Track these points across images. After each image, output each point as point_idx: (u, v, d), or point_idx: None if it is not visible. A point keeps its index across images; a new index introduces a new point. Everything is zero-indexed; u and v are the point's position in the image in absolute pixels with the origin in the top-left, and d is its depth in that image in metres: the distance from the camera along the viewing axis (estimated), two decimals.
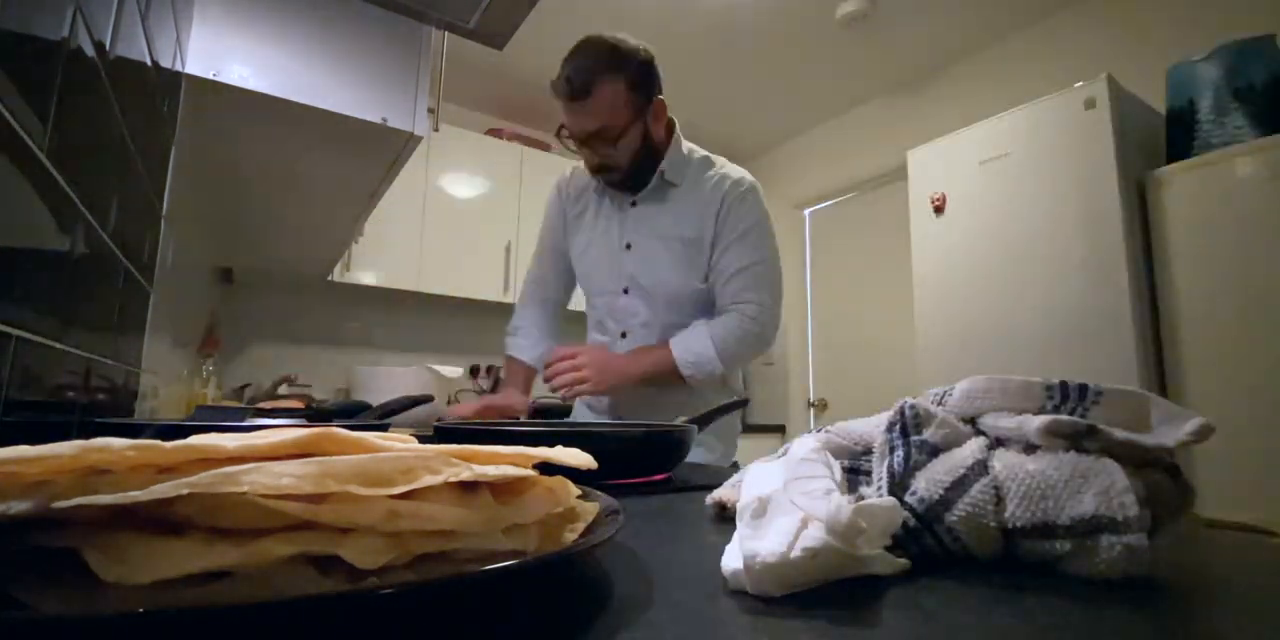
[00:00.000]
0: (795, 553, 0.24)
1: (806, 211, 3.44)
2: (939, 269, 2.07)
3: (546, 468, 0.25)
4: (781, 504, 0.27)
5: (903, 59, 2.75)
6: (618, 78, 1.05)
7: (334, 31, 1.05)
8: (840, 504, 0.25)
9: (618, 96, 1.06)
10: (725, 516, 0.38)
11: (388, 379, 1.83)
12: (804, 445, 0.32)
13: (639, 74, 1.08)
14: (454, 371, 1.83)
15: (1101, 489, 0.25)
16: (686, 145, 1.20)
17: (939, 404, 0.33)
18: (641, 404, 1.17)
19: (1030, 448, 0.28)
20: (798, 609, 0.22)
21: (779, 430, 3.25)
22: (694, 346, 1.10)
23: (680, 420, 0.72)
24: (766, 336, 1.14)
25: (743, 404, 0.85)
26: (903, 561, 0.26)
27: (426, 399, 0.99)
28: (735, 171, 1.17)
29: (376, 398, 1.35)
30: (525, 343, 1.31)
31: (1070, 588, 0.25)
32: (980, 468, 0.28)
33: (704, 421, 0.73)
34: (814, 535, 0.24)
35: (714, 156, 1.21)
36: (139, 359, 0.88)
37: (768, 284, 1.14)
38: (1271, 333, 1.45)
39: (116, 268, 0.69)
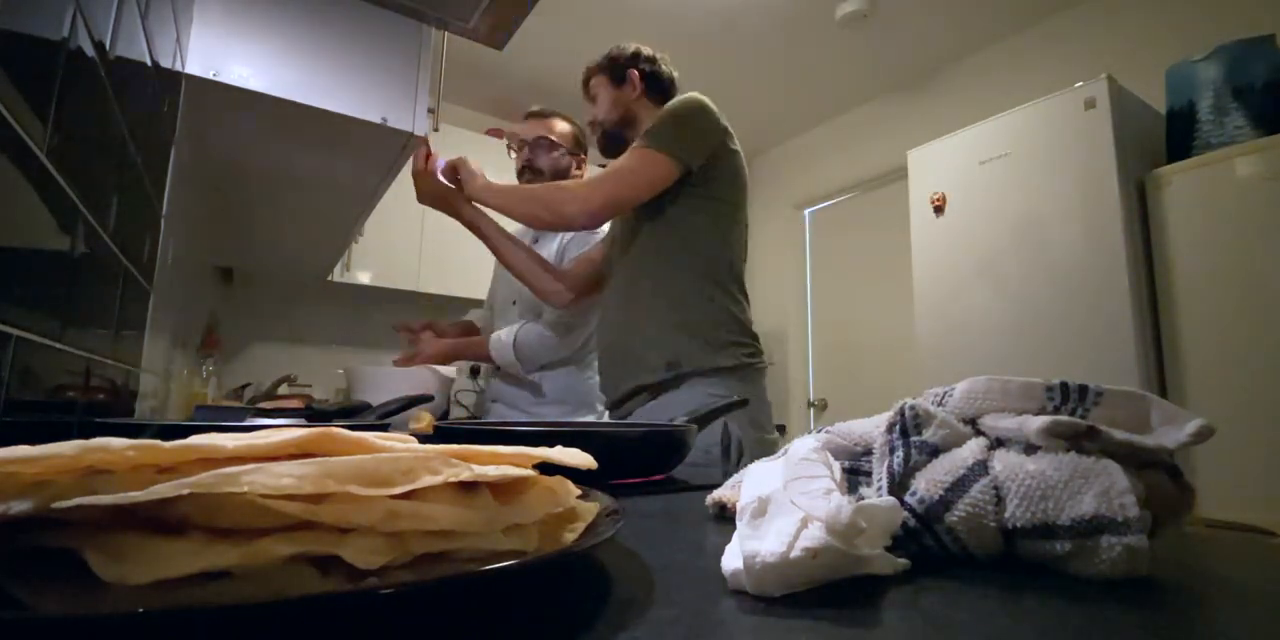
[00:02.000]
0: (795, 552, 0.24)
1: (806, 211, 3.44)
2: (939, 269, 2.07)
3: (547, 468, 0.25)
4: (781, 504, 0.27)
5: (903, 59, 2.75)
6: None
7: (334, 31, 1.05)
8: (840, 504, 0.25)
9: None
10: (725, 516, 0.38)
11: (388, 379, 1.82)
12: (804, 445, 0.32)
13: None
14: (451, 370, 1.82)
15: (1102, 490, 0.25)
16: None
17: (939, 404, 0.33)
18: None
19: (1030, 448, 0.28)
20: (798, 609, 0.22)
21: (779, 430, 3.25)
22: None
23: (680, 419, 0.72)
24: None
25: (741, 404, 0.85)
26: (903, 561, 0.26)
27: (426, 399, 0.99)
28: None
29: (376, 397, 1.34)
30: None
31: (1070, 588, 0.25)
32: (980, 468, 0.28)
33: (703, 422, 0.73)
34: (814, 535, 0.24)
35: None
36: (139, 359, 0.88)
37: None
38: (1271, 332, 1.45)
39: (116, 268, 0.69)
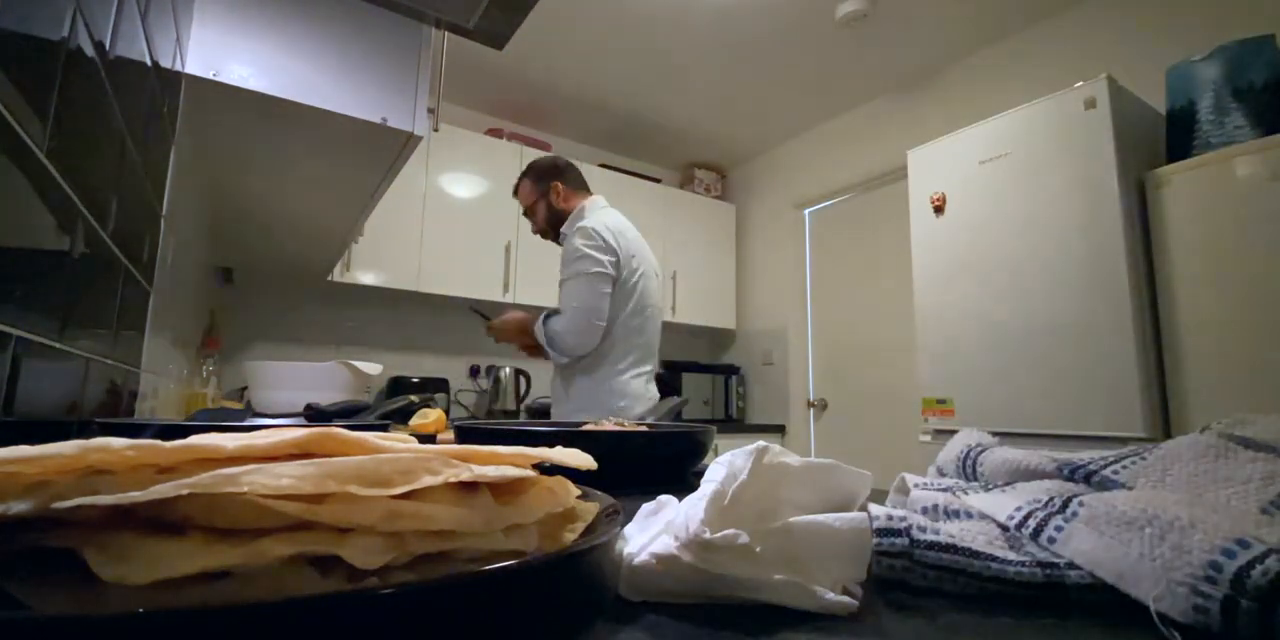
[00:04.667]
0: (641, 557, 0.22)
1: (806, 211, 3.44)
2: (939, 269, 2.07)
3: (546, 468, 0.25)
4: (673, 504, 0.25)
5: (903, 59, 2.75)
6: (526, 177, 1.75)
7: (334, 31, 1.05)
8: (696, 512, 0.22)
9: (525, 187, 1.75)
10: None
11: (289, 375, 1.46)
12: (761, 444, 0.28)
13: (534, 172, 1.74)
14: (374, 368, 1.50)
15: None
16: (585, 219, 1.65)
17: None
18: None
19: None
20: (797, 609, 0.22)
21: (779, 430, 3.25)
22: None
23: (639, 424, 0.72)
24: (568, 334, 1.53)
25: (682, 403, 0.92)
26: (841, 600, 0.21)
27: (363, 406, 0.96)
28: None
29: (275, 398, 1.29)
30: None
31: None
32: None
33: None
34: (666, 543, 0.22)
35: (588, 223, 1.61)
36: (139, 359, 0.88)
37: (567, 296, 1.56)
38: (1272, 332, 1.45)
39: (116, 268, 0.69)
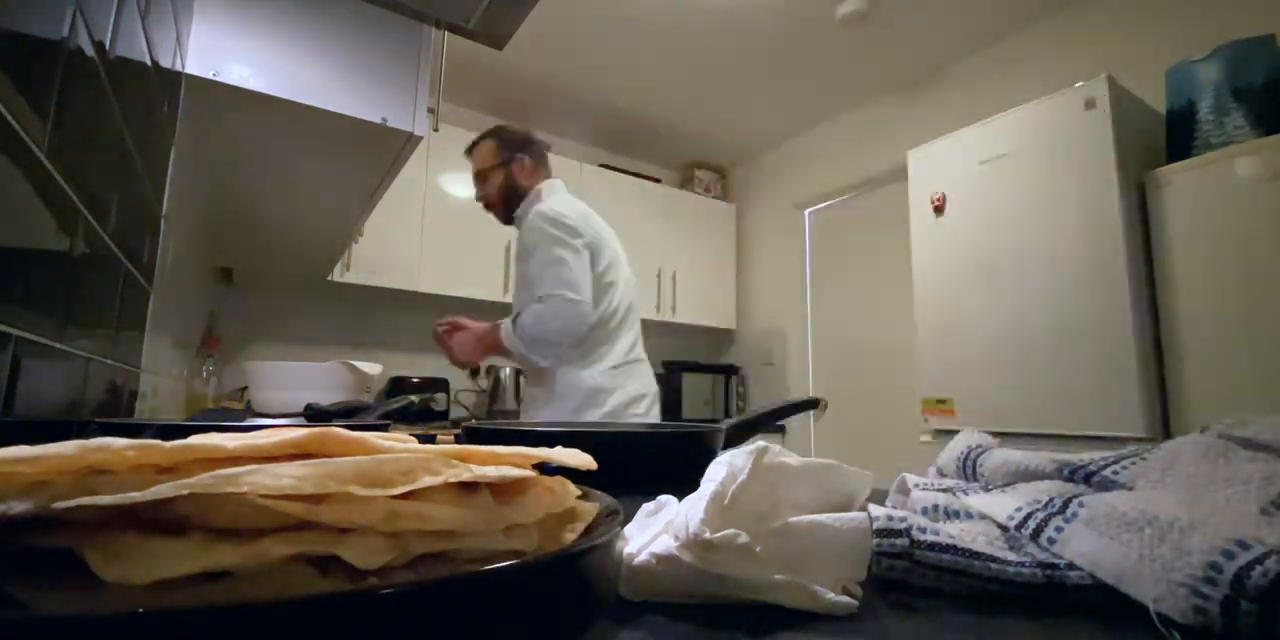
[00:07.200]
0: (641, 557, 0.22)
1: (806, 211, 3.44)
2: (939, 269, 2.07)
3: (546, 468, 0.25)
4: (672, 504, 0.25)
5: (903, 59, 2.75)
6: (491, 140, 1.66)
7: (334, 31, 1.05)
8: (696, 512, 0.22)
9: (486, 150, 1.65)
10: None
11: (289, 375, 1.48)
12: (761, 444, 0.29)
13: (503, 138, 1.66)
14: (374, 368, 1.53)
15: None
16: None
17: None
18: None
19: None
20: (798, 610, 0.22)
21: (779, 430, 3.25)
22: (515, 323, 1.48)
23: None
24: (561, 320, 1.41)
25: (812, 404, 0.80)
26: (841, 600, 0.22)
27: (363, 406, 0.96)
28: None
29: (278, 397, 1.30)
30: None
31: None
32: None
33: (775, 417, 0.71)
34: (667, 542, 0.22)
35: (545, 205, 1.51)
36: (139, 359, 0.88)
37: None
38: (1272, 332, 1.45)
39: (116, 268, 0.69)
